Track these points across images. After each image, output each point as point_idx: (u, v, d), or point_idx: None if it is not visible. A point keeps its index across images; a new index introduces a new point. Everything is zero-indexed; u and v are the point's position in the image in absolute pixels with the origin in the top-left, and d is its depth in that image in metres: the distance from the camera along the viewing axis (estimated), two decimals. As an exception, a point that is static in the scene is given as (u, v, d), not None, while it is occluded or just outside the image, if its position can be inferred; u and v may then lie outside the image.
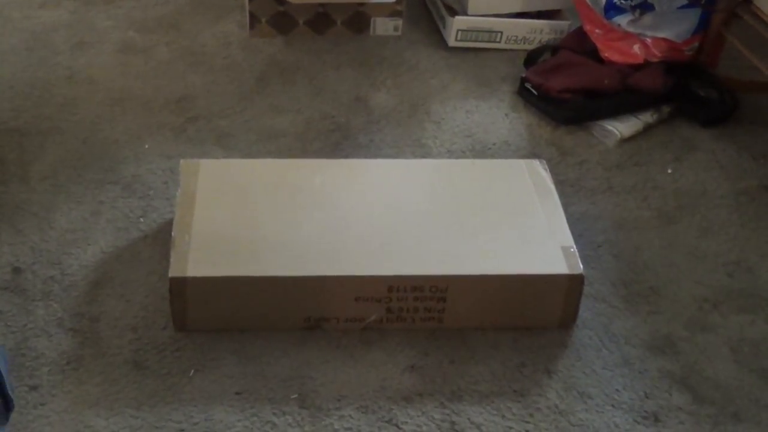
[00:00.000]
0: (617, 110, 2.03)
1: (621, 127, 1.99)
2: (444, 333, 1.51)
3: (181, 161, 1.66)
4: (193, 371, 1.42)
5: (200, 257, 1.45)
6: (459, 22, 2.22)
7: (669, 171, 1.91)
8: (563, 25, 2.27)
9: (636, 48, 2.07)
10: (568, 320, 1.53)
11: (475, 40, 2.26)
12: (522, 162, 1.72)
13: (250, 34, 2.25)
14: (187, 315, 1.46)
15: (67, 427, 1.32)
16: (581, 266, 1.48)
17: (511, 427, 1.37)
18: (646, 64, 2.07)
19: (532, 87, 2.06)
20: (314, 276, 1.45)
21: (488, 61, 2.23)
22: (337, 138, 1.95)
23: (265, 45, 2.23)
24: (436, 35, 2.31)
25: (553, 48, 2.19)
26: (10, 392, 0.76)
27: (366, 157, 1.90)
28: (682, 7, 2.04)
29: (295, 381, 1.42)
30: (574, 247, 1.51)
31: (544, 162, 1.70)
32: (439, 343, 1.49)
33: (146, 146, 1.87)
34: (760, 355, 1.52)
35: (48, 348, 1.44)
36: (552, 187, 1.64)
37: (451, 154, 1.92)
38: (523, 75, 2.11)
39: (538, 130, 2.01)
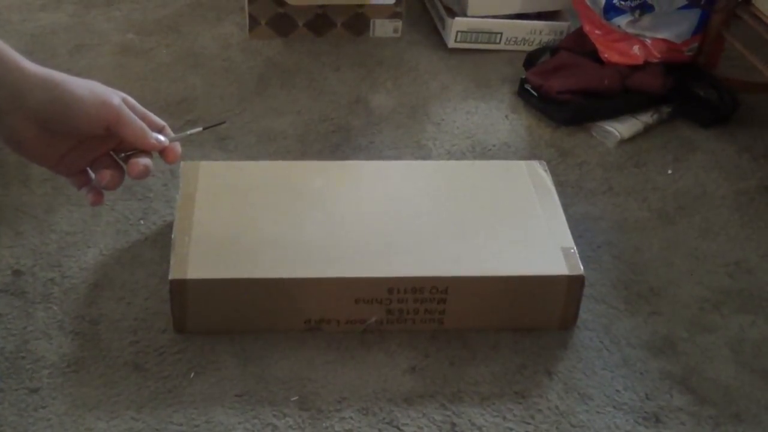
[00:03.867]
0: (617, 111, 2.02)
1: (621, 128, 1.99)
2: (444, 334, 1.51)
3: (181, 163, 1.65)
4: (193, 373, 1.42)
5: (200, 259, 1.45)
6: (458, 23, 2.22)
7: (669, 172, 1.91)
8: (563, 26, 2.27)
9: (636, 49, 2.07)
10: (568, 321, 1.53)
11: (475, 42, 2.26)
12: (522, 163, 1.71)
13: (250, 36, 2.25)
14: (187, 317, 1.46)
15: (67, 430, 1.32)
16: (581, 267, 1.48)
17: (511, 429, 1.37)
18: (645, 65, 2.07)
19: (532, 88, 2.06)
20: (314, 278, 1.45)
21: (488, 63, 2.23)
22: (337, 140, 1.95)
23: (265, 47, 2.23)
24: (435, 37, 2.31)
25: (552, 49, 2.19)
26: None
27: (366, 158, 1.90)
28: (682, 7, 2.04)
29: (296, 383, 1.42)
30: (575, 248, 1.51)
31: (544, 163, 1.70)
32: (439, 344, 1.49)
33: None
34: (761, 355, 1.52)
35: (48, 351, 1.44)
36: (552, 188, 1.64)
37: (451, 155, 1.92)
38: (523, 76, 2.11)
39: (538, 132, 2.01)
